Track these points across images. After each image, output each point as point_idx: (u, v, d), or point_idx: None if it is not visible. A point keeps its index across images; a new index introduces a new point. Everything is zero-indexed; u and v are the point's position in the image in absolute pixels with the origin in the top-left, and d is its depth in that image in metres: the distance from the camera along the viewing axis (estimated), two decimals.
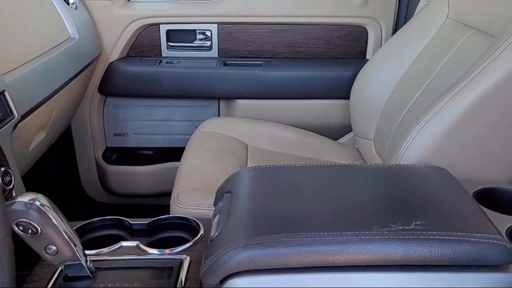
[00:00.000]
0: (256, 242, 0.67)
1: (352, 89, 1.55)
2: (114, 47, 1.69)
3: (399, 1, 1.69)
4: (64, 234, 0.71)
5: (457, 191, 0.81)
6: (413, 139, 1.00)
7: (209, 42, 1.73)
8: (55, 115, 1.36)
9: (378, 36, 1.72)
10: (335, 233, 0.68)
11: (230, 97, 1.73)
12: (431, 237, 0.67)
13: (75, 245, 0.73)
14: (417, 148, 0.99)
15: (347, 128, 1.68)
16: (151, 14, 1.69)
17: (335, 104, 1.70)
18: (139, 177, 1.82)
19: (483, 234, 0.68)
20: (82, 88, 1.65)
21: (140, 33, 1.71)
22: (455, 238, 0.67)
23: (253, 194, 0.80)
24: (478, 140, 0.99)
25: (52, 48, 1.29)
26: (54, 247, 0.72)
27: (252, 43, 1.73)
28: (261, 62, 1.72)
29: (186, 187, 1.19)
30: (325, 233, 0.68)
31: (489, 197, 0.90)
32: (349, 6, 1.68)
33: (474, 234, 0.68)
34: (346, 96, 1.59)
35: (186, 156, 1.40)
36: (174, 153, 1.71)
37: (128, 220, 0.95)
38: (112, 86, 1.72)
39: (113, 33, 1.67)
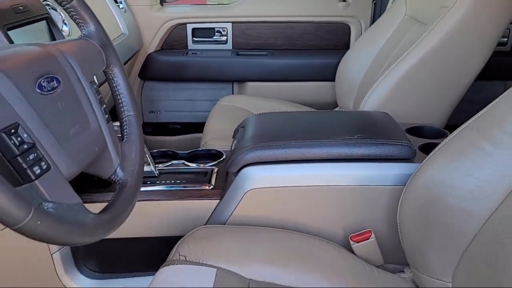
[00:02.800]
0: (261, 145, 1.12)
1: (337, 71, 1.99)
2: (152, 41, 2.16)
3: (374, 3, 2.15)
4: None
5: (390, 123, 1.26)
6: (370, 95, 1.45)
7: (225, 37, 2.20)
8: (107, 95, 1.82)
9: (358, 31, 2.17)
10: (312, 141, 1.13)
11: (242, 80, 2.19)
12: (365, 142, 1.12)
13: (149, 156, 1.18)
14: (372, 100, 1.44)
15: (333, 105, 2.12)
16: (180, 16, 2.16)
17: (324, 85, 2.16)
18: (169, 145, 2.28)
19: (398, 140, 1.13)
20: (128, 73, 2.11)
21: (172, 31, 2.18)
22: (379, 142, 1.12)
23: (258, 124, 1.25)
24: (415, 94, 1.44)
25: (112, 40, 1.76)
26: None
27: (259, 38, 2.19)
28: (266, 53, 2.18)
29: (211, 138, 1.65)
30: (306, 141, 1.12)
31: (418, 132, 1.35)
32: (335, 8, 2.14)
33: (392, 140, 1.12)
34: (333, 79, 2.03)
35: (209, 121, 1.85)
36: (197, 126, 2.16)
37: (174, 151, 1.40)
38: (149, 72, 2.19)
39: (151, 31, 2.14)
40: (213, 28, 2.19)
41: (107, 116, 0.79)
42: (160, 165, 1.31)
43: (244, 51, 2.20)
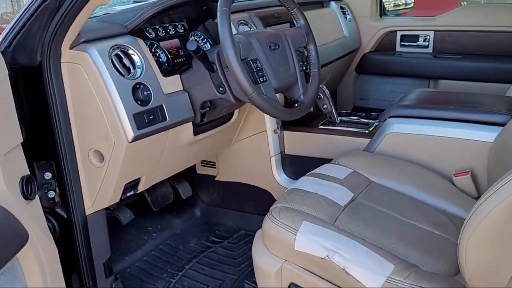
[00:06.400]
0: (402, 105, 1.69)
1: None
2: (368, 44, 2.83)
3: None
4: None
5: None
6: None
7: (427, 43, 2.70)
8: (329, 77, 2.57)
9: None
10: (440, 105, 1.63)
11: (437, 77, 2.65)
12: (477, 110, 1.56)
13: None
14: None
15: None
16: (393, 25, 2.77)
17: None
18: None
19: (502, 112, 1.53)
20: (345, 68, 2.84)
21: (385, 36, 2.80)
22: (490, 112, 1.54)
23: (414, 94, 1.81)
24: None
25: (333, 40, 2.52)
26: None
27: (456, 44, 2.61)
28: (460, 56, 2.58)
29: None
30: (436, 105, 1.64)
31: None
32: None
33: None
34: None
35: None
36: None
37: (356, 113, 2.04)
38: (364, 68, 2.86)
39: (368, 35, 2.82)
40: (418, 35, 2.72)
41: (300, 68, 1.53)
42: (344, 118, 1.98)
43: (441, 54, 2.65)
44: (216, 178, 2.09)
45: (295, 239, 1.21)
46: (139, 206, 1.87)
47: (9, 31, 1.25)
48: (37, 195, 1.21)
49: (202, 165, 2.12)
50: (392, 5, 3.26)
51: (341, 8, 2.71)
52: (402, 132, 1.67)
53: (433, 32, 2.67)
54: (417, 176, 1.55)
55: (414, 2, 3.30)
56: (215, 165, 2.08)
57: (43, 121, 1.31)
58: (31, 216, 1.13)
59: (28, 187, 1.14)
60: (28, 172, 1.17)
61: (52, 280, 1.20)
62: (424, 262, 1.18)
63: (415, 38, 2.74)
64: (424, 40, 2.71)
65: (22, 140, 1.15)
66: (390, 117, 1.72)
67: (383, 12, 2.91)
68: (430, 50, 2.70)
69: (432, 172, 1.58)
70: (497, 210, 0.89)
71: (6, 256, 1.00)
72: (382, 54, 2.81)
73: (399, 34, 2.77)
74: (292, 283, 1.24)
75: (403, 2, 3.33)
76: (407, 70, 2.72)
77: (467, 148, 1.56)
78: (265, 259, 1.28)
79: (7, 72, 1.09)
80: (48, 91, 1.27)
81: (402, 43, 2.78)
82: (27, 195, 1.14)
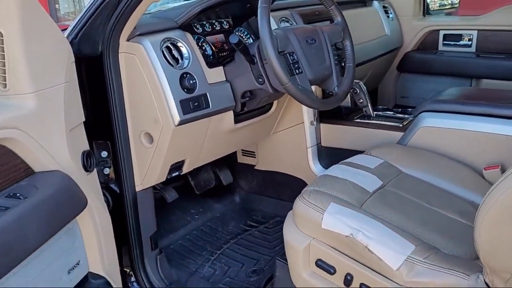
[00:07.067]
0: (435, 100, 1.74)
1: None
2: (410, 43, 2.86)
3: None
4: None
5: None
6: None
7: (470, 42, 2.70)
8: (369, 75, 2.63)
9: None
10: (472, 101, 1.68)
11: (479, 77, 2.65)
12: None
13: None
14: None
15: None
16: (435, 24, 2.79)
17: None
18: None
19: None
20: (386, 66, 2.89)
21: (427, 35, 2.83)
22: None
23: (450, 91, 1.86)
24: None
25: (374, 38, 2.58)
26: None
27: (500, 43, 2.60)
28: (503, 56, 2.58)
29: None
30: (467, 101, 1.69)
31: None
32: None
33: None
34: None
35: None
36: None
37: (391, 108, 2.10)
38: (405, 66, 2.90)
39: (410, 34, 2.85)
40: (461, 34, 2.73)
41: (336, 62, 1.62)
42: (380, 112, 2.05)
43: (484, 54, 2.65)
44: (256, 167, 2.21)
45: (322, 219, 1.31)
46: (184, 190, 2.02)
47: (75, 25, 1.43)
48: (95, 169, 1.38)
49: (243, 155, 2.25)
50: (438, 5, 3.26)
51: (384, 7, 2.77)
52: (435, 126, 1.73)
53: (476, 31, 2.67)
54: (447, 169, 1.60)
55: (459, 2, 3.30)
56: (255, 155, 2.20)
57: (102, 105, 1.47)
58: (90, 186, 1.30)
59: (88, 161, 1.31)
60: (88, 148, 1.34)
61: (106, 245, 1.36)
62: (445, 246, 1.24)
63: (458, 37, 2.75)
64: (468, 40, 2.72)
65: (84, 119, 1.32)
66: (423, 111, 1.78)
67: (426, 11, 2.93)
68: (473, 49, 2.70)
69: (463, 165, 1.63)
70: (506, 195, 0.96)
71: (68, 216, 1.16)
72: (424, 53, 2.84)
73: (441, 33, 2.79)
74: (318, 259, 1.34)
75: (449, 2, 3.32)
76: (449, 69, 2.73)
77: (498, 142, 1.60)
78: (295, 236, 1.38)
79: (74, 59, 1.26)
80: (107, 78, 1.44)
81: (445, 42, 2.79)
82: (87, 168, 1.30)
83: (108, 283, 1.33)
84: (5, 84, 1.08)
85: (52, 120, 1.15)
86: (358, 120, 1.97)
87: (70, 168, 1.19)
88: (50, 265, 1.15)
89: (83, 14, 1.42)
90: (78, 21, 1.42)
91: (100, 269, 1.33)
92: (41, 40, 1.12)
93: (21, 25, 1.05)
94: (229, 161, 2.21)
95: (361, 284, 1.26)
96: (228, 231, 2.04)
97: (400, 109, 2.05)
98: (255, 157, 2.21)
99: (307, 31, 1.58)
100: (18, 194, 1.02)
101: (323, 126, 2.03)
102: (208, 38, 1.66)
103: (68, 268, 1.22)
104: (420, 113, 1.79)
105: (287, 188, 2.13)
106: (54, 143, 1.16)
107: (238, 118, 1.70)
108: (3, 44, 1.06)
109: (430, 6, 3.01)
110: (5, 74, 1.07)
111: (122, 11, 1.36)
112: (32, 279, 1.08)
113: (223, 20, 1.75)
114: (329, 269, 1.32)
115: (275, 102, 1.88)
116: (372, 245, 1.22)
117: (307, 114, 1.96)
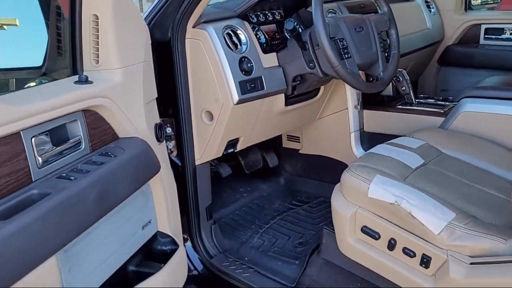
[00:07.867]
0: (475, 87, 1.83)
1: None
2: (451, 36, 2.93)
3: None
4: None
5: None
6: None
7: None
8: (411, 67, 2.72)
9: None
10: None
11: None
12: None
13: None
14: None
15: None
16: (477, 18, 2.86)
17: None
18: None
19: None
20: (427, 59, 2.97)
21: (469, 29, 2.89)
22: None
23: (491, 79, 1.95)
24: None
25: (416, 31, 2.66)
26: None
27: None
28: None
29: None
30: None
31: None
32: None
33: None
34: None
35: None
36: None
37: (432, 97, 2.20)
38: (446, 60, 2.97)
39: (452, 28, 2.92)
40: (503, 28, 2.78)
41: (382, 49, 1.74)
42: (421, 100, 2.15)
43: None
44: (300, 151, 2.35)
45: (368, 188, 1.44)
46: (235, 170, 2.19)
47: (149, 12, 1.61)
48: (164, 141, 1.56)
49: (288, 140, 2.39)
50: (480, 1, 3.31)
51: (426, 1, 2.86)
52: (476, 111, 1.82)
53: None
54: (487, 151, 1.69)
55: None
56: (299, 139, 2.34)
57: (169, 85, 1.65)
58: (161, 154, 1.47)
59: (159, 132, 1.48)
60: (159, 121, 1.51)
61: (172, 208, 1.53)
62: (483, 216, 1.35)
63: (500, 31, 2.80)
64: (510, 33, 2.77)
65: (156, 96, 1.49)
66: (465, 97, 1.87)
67: (468, 6, 3.00)
68: None
69: (503, 148, 1.71)
70: None
71: (145, 177, 1.34)
72: (465, 46, 2.90)
73: (483, 27, 2.84)
74: (364, 226, 1.47)
75: None
76: (490, 63, 2.79)
77: None
78: (342, 205, 1.51)
79: (150, 41, 1.44)
80: (175, 62, 1.61)
81: (486, 36, 2.85)
82: (158, 138, 1.48)
83: (174, 242, 1.50)
84: (98, 60, 1.27)
85: (134, 93, 1.33)
86: (400, 106, 2.08)
87: (146, 137, 1.37)
88: (129, 220, 1.33)
89: (156, 4, 1.60)
90: (152, 9, 1.60)
91: (167, 229, 1.50)
92: (127, 23, 1.30)
93: (113, 9, 1.23)
94: (275, 146, 2.36)
95: (404, 248, 1.38)
96: (274, 209, 2.18)
97: (441, 97, 2.15)
98: (299, 142, 2.35)
99: (356, 20, 1.71)
100: (109, 153, 1.20)
101: (366, 112, 2.14)
102: (261, 27, 1.81)
103: (142, 224, 1.40)
104: (461, 98, 1.88)
105: (329, 171, 2.26)
106: (135, 113, 1.33)
107: (288, 101, 1.85)
108: (98, 25, 1.24)
109: (472, 2, 3.07)
110: (98, 51, 1.26)
111: (190, 1, 1.53)
112: (116, 228, 1.26)
113: (275, 11, 1.90)
114: (374, 235, 1.44)
115: (322, 88, 2.01)
116: (415, 211, 1.34)
117: (351, 100, 2.09)
